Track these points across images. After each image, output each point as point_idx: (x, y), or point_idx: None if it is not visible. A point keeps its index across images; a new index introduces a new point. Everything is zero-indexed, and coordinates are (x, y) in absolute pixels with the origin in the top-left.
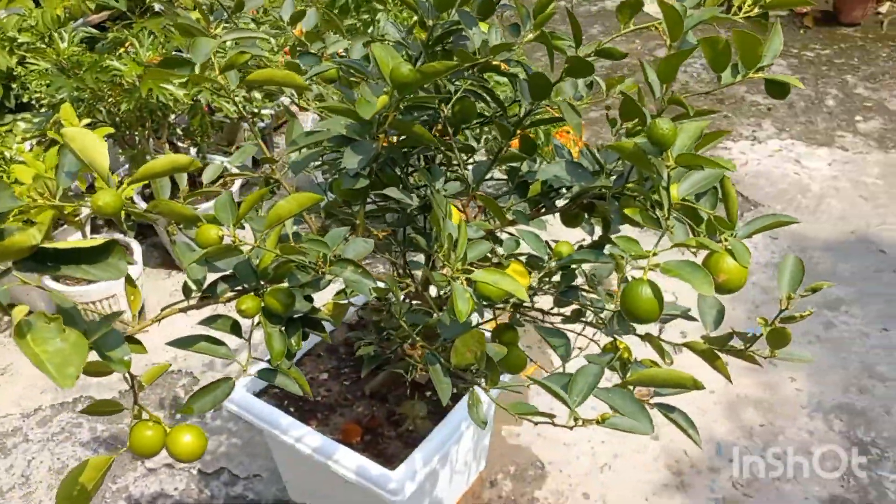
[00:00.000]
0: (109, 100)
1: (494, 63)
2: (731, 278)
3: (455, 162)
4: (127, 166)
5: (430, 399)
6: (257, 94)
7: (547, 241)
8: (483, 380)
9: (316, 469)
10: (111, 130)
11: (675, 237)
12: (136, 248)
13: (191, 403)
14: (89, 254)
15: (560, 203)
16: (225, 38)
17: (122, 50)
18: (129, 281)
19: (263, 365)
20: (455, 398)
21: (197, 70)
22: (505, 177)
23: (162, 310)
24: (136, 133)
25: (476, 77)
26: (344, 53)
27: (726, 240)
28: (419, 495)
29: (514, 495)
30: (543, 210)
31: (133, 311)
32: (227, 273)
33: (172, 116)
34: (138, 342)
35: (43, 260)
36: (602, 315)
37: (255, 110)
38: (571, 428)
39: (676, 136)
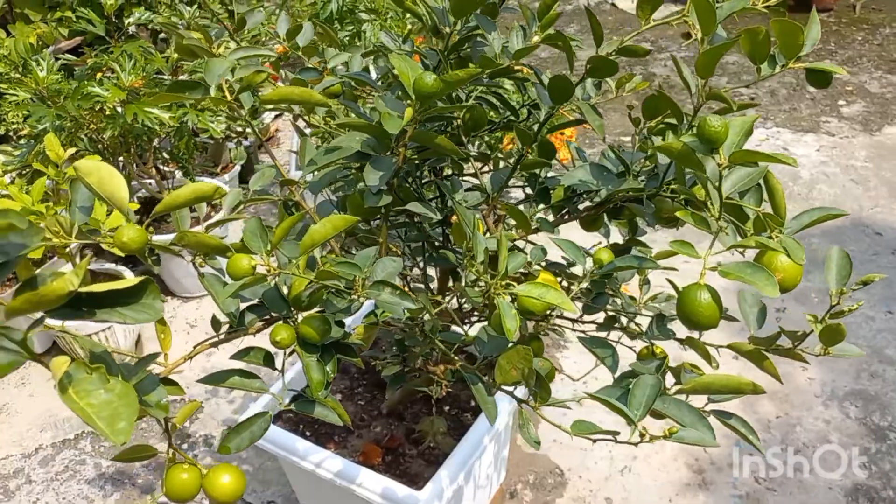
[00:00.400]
0: (91, 127)
1: (517, 67)
2: (787, 276)
3: (469, 171)
4: None
5: (448, 414)
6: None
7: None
8: (531, 397)
9: (337, 494)
10: (98, 158)
11: (726, 238)
12: (129, 276)
13: (227, 442)
14: (123, 295)
15: (582, 207)
16: (233, 56)
17: (99, 75)
18: (160, 319)
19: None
20: (474, 411)
21: (213, 92)
22: (519, 184)
23: (195, 347)
24: (122, 159)
25: (487, 84)
26: (341, 67)
27: (776, 237)
28: None
29: None
30: (567, 217)
31: (164, 349)
32: (254, 302)
33: (156, 140)
34: (174, 382)
35: (77, 305)
36: (635, 321)
37: (241, 129)
38: (636, 444)
39: (728, 132)
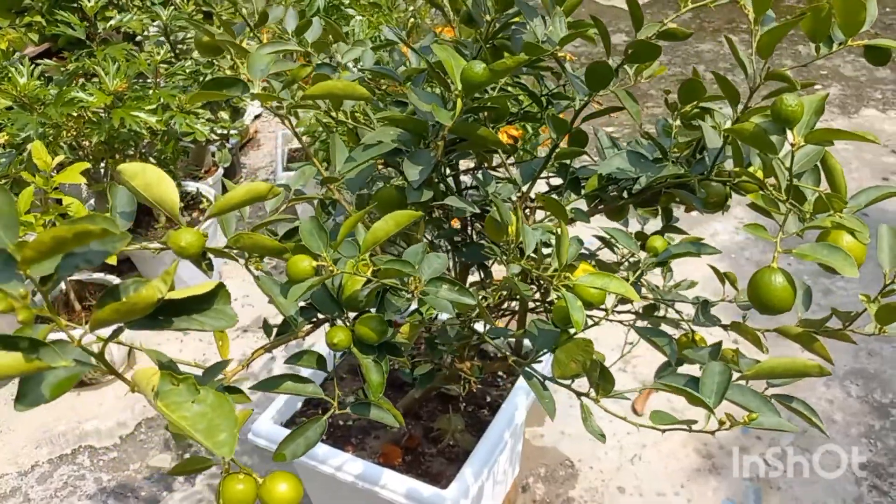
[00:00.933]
0: (71, 133)
1: (560, 54)
2: (854, 256)
3: (496, 163)
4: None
5: (464, 411)
6: (224, 115)
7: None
8: (593, 390)
9: (359, 497)
10: (87, 166)
11: (789, 222)
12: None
13: (282, 449)
14: (197, 302)
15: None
16: (269, 50)
17: (80, 81)
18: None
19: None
20: (491, 407)
21: (257, 88)
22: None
23: (253, 353)
24: (108, 164)
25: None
26: (346, 62)
27: (840, 217)
28: None
29: (548, 497)
30: (601, 206)
31: (224, 356)
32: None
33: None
34: (239, 390)
35: (155, 314)
36: (674, 308)
37: (225, 131)
38: (713, 433)
39: (804, 111)
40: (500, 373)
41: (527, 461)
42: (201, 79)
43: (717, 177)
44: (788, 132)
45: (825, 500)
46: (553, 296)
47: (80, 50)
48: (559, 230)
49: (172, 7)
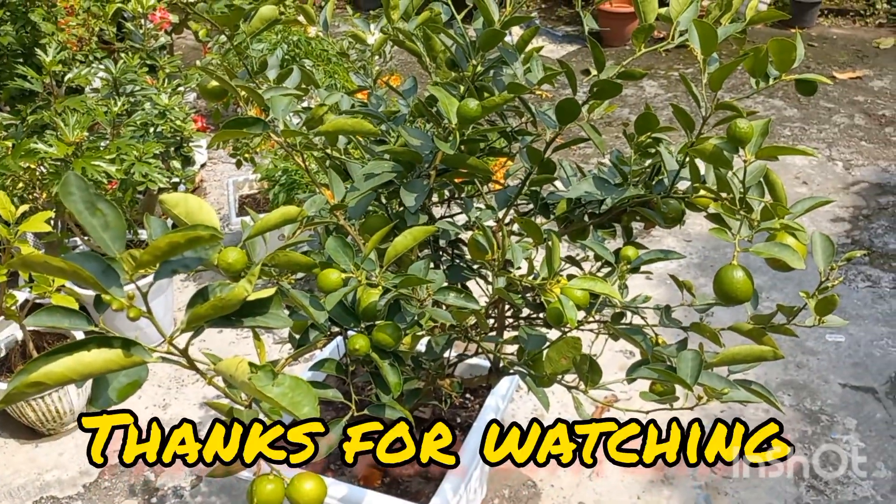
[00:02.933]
0: (20, 186)
1: (538, 91)
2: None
3: (465, 193)
4: None
5: None
6: (176, 163)
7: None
8: (582, 383)
9: None
10: (51, 215)
11: (743, 227)
12: (79, 336)
13: None
14: (258, 306)
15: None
16: (272, 94)
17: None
18: (255, 334)
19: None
20: (461, 428)
21: (281, 126)
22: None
23: (286, 359)
24: (65, 214)
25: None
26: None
27: (782, 224)
28: None
29: None
30: (568, 227)
31: (262, 361)
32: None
33: None
34: None
35: (228, 315)
36: (640, 314)
37: (177, 179)
38: (692, 408)
39: (754, 133)
40: (468, 395)
41: (491, 483)
42: (152, 130)
43: (675, 195)
44: (741, 150)
45: (770, 502)
46: (545, 300)
47: (30, 103)
48: (550, 243)
49: (122, 61)
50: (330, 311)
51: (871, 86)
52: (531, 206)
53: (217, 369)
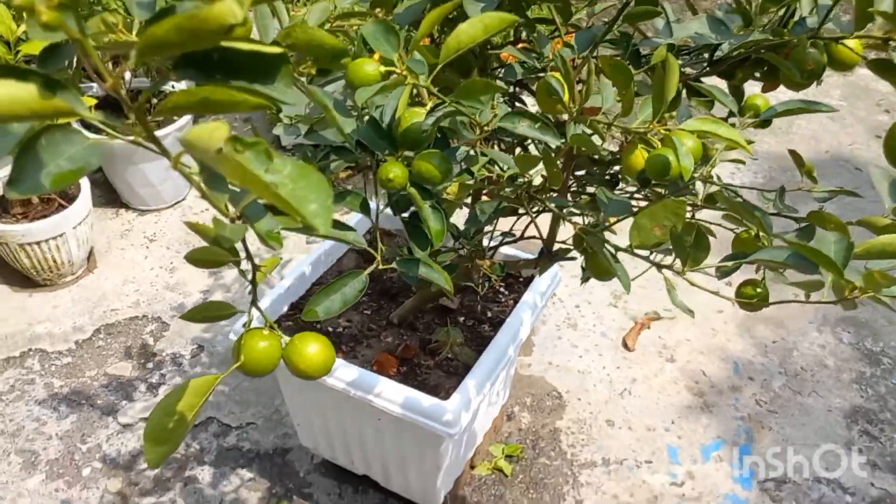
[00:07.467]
0: None
1: None
2: None
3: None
4: None
5: (463, 325)
6: None
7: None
8: (674, 260)
9: (347, 406)
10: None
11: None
12: (85, 184)
13: (313, 306)
14: (258, 65)
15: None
16: None
17: None
18: (255, 131)
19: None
20: (492, 323)
21: None
22: None
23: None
24: None
25: None
26: None
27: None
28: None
29: (534, 426)
30: None
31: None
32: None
33: None
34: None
35: (210, 65)
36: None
37: None
38: (835, 303)
39: None
40: (501, 289)
41: (513, 390)
42: None
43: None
44: None
45: (816, 442)
46: (642, 151)
47: None
48: (665, 67)
49: None
50: (359, 133)
51: None
52: (617, 55)
53: (185, 141)
